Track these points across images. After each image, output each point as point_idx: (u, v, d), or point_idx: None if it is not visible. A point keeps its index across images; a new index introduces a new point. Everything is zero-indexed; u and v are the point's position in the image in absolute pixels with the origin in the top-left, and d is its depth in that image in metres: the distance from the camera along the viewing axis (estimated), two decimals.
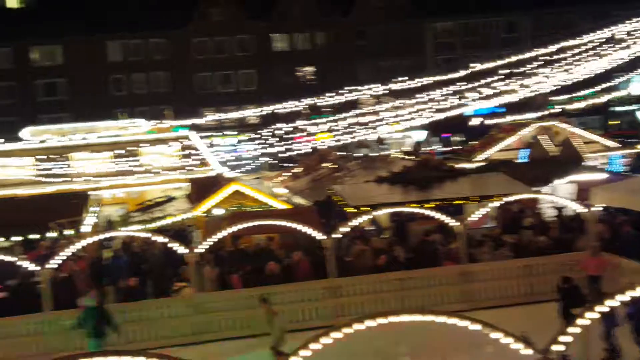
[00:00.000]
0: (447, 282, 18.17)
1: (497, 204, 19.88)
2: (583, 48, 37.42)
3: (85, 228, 20.72)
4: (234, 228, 18.25)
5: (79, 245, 18.43)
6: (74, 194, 26.19)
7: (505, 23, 68.24)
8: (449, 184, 24.02)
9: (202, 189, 27.06)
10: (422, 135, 58.77)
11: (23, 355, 16.02)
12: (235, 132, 55.42)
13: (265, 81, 64.05)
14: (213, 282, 18.22)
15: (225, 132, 55.28)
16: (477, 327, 7.86)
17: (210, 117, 52.44)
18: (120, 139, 36.70)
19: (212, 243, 18.17)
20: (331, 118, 44.42)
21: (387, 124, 43.31)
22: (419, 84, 40.10)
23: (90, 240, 18.96)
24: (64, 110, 58.53)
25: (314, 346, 7.72)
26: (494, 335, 7.81)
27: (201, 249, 17.69)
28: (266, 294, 15.08)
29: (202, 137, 39.41)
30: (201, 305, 17.14)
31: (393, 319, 7.83)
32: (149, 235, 19.23)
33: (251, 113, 49.44)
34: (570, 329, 7.91)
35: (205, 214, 24.52)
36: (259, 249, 20.24)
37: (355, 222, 18.43)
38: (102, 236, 20.94)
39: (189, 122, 46.01)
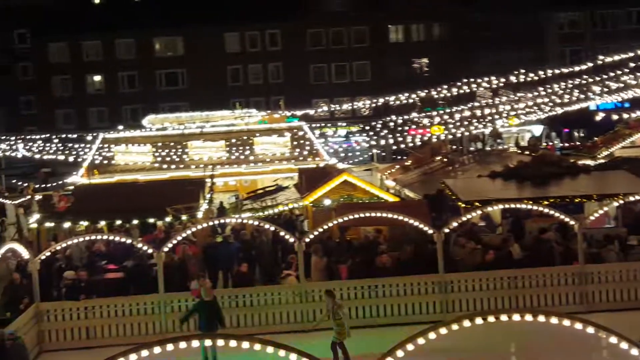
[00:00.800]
0: (563, 282, 17.50)
1: (618, 203, 18.87)
2: None
3: (199, 214, 21.33)
4: (343, 219, 18.24)
5: (192, 230, 19.07)
6: (190, 180, 27.03)
7: (636, 13, 64.68)
8: (568, 181, 23.07)
9: (311, 179, 27.24)
10: (540, 129, 56.74)
11: (136, 335, 16.67)
12: (347, 124, 55.59)
13: (379, 72, 63.72)
14: (320, 271, 18.31)
15: (337, 123, 55.57)
16: (591, 330, 7.50)
17: (322, 108, 52.84)
18: (234, 128, 37.66)
19: (319, 233, 18.27)
20: (445, 110, 43.62)
21: (503, 117, 41.98)
22: (540, 77, 38.50)
23: (203, 226, 19.53)
24: (183, 100, 60.69)
25: (420, 341, 7.61)
26: (611, 339, 7.44)
27: (309, 238, 17.79)
28: (331, 288, 15.12)
29: (314, 128, 39.82)
30: (308, 294, 17.24)
31: (504, 318, 7.58)
32: (259, 222, 19.56)
33: (364, 104, 49.32)
34: None
35: (314, 204, 24.67)
36: (366, 241, 20.17)
37: (466, 218, 18.01)
38: (214, 222, 21.56)
39: (301, 112, 46.58)
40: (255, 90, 62.84)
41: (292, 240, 17.39)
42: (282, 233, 17.85)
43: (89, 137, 40.66)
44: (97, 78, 63.65)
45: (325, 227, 18.16)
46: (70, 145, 42.86)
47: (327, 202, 23.95)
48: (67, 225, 21.35)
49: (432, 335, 7.60)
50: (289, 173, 34.74)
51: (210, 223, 20.89)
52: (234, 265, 18.92)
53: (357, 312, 17.26)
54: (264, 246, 21.29)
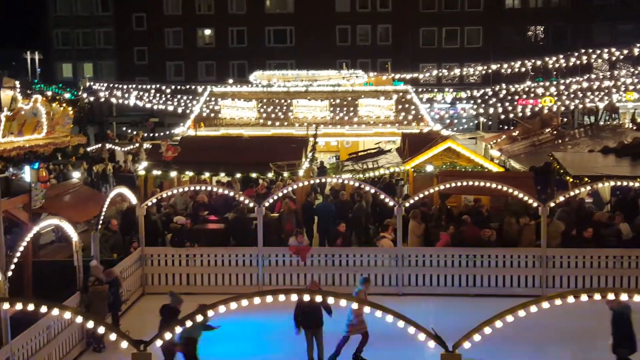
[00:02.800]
0: None
1: None
2: None
3: (300, 172, 21.53)
4: (444, 185, 17.96)
5: (293, 187, 19.28)
6: (293, 138, 27.27)
7: None
8: None
9: (414, 144, 26.89)
10: None
11: (234, 286, 17.12)
12: (454, 90, 54.45)
13: (491, 39, 61.85)
14: (418, 237, 18.17)
15: (444, 89, 54.55)
16: None
17: (430, 73, 51.93)
18: (339, 89, 37.62)
19: (419, 198, 18.07)
20: (559, 81, 41.93)
21: (621, 91, 39.95)
22: None
23: (303, 184, 19.71)
24: (290, 57, 61.10)
25: (520, 313, 7.49)
26: None
27: (409, 203, 17.62)
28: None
29: (420, 93, 39.24)
30: (404, 258, 17.17)
31: (611, 296, 7.40)
32: (359, 184, 19.55)
33: (474, 71, 48.06)
34: None
35: (416, 169, 24.40)
36: (466, 209, 19.81)
37: (573, 193, 17.37)
38: (314, 181, 21.71)
39: (408, 76, 45.96)
40: (362, 51, 62.45)
41: (391, 203, 17.26)
42: (381, 196, 17.75)
43: (199, 90, 41.67)
44: (208, 32, 64.95)
45: (426, 192, 17.91)
46: (178, 96, 44.17)
47: (429, 168, 23.64)
48: (173, 174, 22.05)
49: (533, 309, 7.44)
50: (392, 137, 34.51)
51: (311, 182, 21.06)
52: (331, 225, 19.03)
53: (452, 281, 17.07)
54: (362, 208, 21.30)
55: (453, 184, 17.78)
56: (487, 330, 7.51)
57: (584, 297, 7.38)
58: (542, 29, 63.30)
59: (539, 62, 39.51)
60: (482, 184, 17.44)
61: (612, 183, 18.44)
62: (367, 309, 8.07)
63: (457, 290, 16.96)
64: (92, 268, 13.80)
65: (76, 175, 24.92)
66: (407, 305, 15.69)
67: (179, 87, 46.12)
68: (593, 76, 40.89)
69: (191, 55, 63.81)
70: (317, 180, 22.65)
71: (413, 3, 62.29)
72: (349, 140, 36.32)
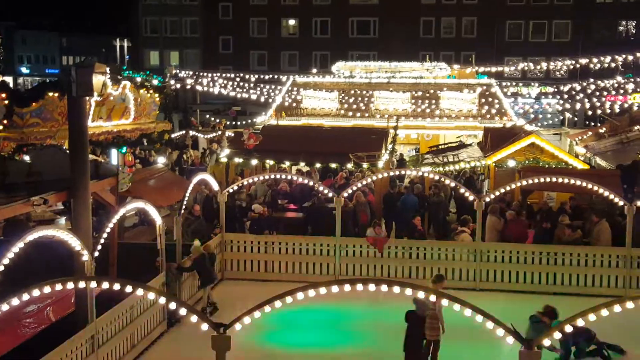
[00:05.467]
0: None
1: None
2: None
3: (380, 164, 21.54)
4: (526, 181, 17.62)
5: (372, 179, 19.32)
6: (375, 130, 27.27)
7: None
8: None
9: (497, 138, 26.44)
10: None
11: (311, 274, 17.28)
12: (540, 84, 53.10)
13: (580, 33, 59.93)
14: (498, 232, 17.90)
15: (529, 83, 53.29)
16: None
17: (515, 66, 50.80)
18: (422, 81, 37.30)
19: (501, 193, 17.80)
20: None
21: None
22: None
23: (382, 175, 19.72)
24: (373, 49, 60.93)
25: (603, 312, 7.41)
26: None
27: (489, 198, 17.39)
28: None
29: (504, 86, 38.48)
30: (482, 254, 16.99)
31: None
32: (438, 177, 19.41)
33: (561, 65, 46.72)
34: None
35: (498, 164, 24.02)
36: (546, 208, 19.42)
37: None
38: (394, 173, 21.68)
39: (493, 69, 45.13)
40: (446, 43, 61.68)
41: (471, 198, 17.09)
42: (461, 190, 17.58)
43: (282, 79, 42.12)
44: (292, 22, 65.50)
45: (507, 188, 17.62)
46: (261, 86, 44.76)
47: (511, 163, 23.22)
48: (254, 162, 22.43)
49: (617, 309, 7.30)
50: (474, 131, 34.01)
51: (390, 173, 21.04)
52: (409, 217, 18.96)
53: (532, 278, 16.79)
54: (441, 202, 21.15)
55: (536, 180, 17.46)
56: (568, 328, 7.46)
57: None
58: (633, 23, 60.90)
59: (630, 58, 38.05)
60: (566, 180, 17.04)
61: None
62: (444, 302, 8.06)
63: (536, 287, 16.65)
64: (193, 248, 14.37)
65: (161, 161, 25.68)
66: (484, 300, 15.51)
67: (261, 76, 46.72)
68: None
69: (275, 45, 64.52)
70: (397, 172, 22.58)
71: None
72: (429, 133, 35.99)
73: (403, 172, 23.84)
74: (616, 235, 16.80)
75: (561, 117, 49.78)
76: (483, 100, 35.85)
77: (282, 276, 17.23)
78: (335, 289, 8.14)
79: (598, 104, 37.41)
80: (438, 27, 62.89)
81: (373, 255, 17.26)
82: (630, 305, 7.34)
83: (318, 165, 22.38)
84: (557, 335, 7.65)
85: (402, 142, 33.47)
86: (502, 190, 17.55)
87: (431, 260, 17.15)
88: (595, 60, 38.60)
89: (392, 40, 59.74)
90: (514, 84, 49.93)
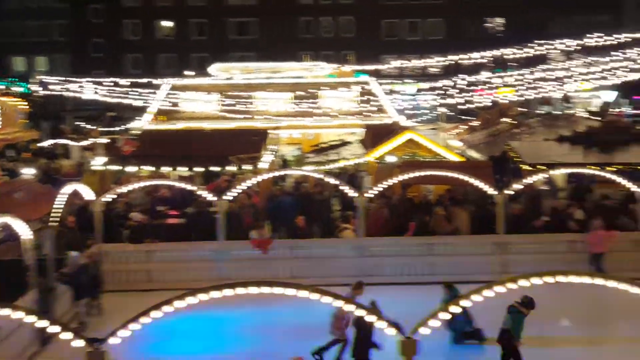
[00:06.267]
0: (622, 248, 17.17)
1: None
2: None
3: (262, 165, 21.43)
4: (405, 176, 18.06)
5: (255, 181, 19.18)
6: (255, 131, 27.13)
7: None
8: (636, 148, 22.76)
9: (377, 135, 27.00)
10: (611, 95, 54.85)
11: (195, 280, 16.94)
12: (416, 81, 54.71)
13: (452, 31, 62.32)
14: (379, 227, 18.20)
15: (405, 81, 54.76)
16: None
17: (392, 65, 52.05)
18: (302, 81, 37.50)
19: (381, 189, 18.15)
20: (516, 72, 42.43)
21: (575, 81, 40.71)
22: (615, 42, 37.11)
23: (265, 177, 19.62)
24: (252, 50, 60.75)
25: (475, 297, 7.71)
26: None
27: (370, 193, 17.70)
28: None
29: (382, 84, 39.31)
30: (365, 249, 17.24)
31: (560, 279, 7.65)
32: (321, 176, 19.54)
33: (434, 62, 48.31)
34: None
35: (378, 160, 24.51)
36: (425, 200, 20.01)
37: (529, 180, 17.73)
38: (276, 174, 21.64)
39: (370, 68, 46.00)
40: (325, 43, 62.40)
41: (353, 194, 17.31)
42: (343, 188, 17.79)
43: (157, 83, 41.09)
44: (167, 24, 64.17)
45: (387, 183, 17.99)
46: (137, 90, 43.49)
47: (390, 158, 23.75)
48: (131, 169, 21.75)
49: (488, 293, 7.64)
50: (355, 128, 34.54)
51: (272, 174, 20.97)
52: (291, 218, 18.90)
53: (415, 269, 17.26)
54: (325, 200, 21.28)
55: (413, 175, 17.94)
56: (444, 315, 7.68)
57: (537, 280, 7.61)
58: (501, 21, 63.99)
59: (493, 53, 39.96)
60: (441, 173, 17.61)
61: (565, 170, 18.91)
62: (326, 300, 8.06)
63: (420, 278, 17.02)
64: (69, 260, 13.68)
65: (29, 172, 24.39)
66: (370, 295, 15.73)
67: (137, 80, 45.37)
68: (548, 67, 41.49)
69: (151, 48, 63.01)
70: (279, 173, 22.54)
71: None
72: (311, 132, 36.24)
73: (286, 173, 23.83)
74: (489, 223, 17.44)
75: (437, 113, 51.50)
76: (362, 98, 36.49)
77: (165, 284, 16.74)
78: (215, 294, 7.96)
79: (470, 99, 38.99)
80: (317, 27, 63.57)
81: (259, 258, 17.12)
82: (501, 289, 7.61)
83: (199, 169, 21.97)
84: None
85: (285, 142, 33.54)
86: (383, 186, 17.90)
87: (316, 258, 17.22)
88: (464, 56, 40.20)
89: (272, 40, 59.83)
90: (392, 81, 51.19)
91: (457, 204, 19.19)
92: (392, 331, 7.74)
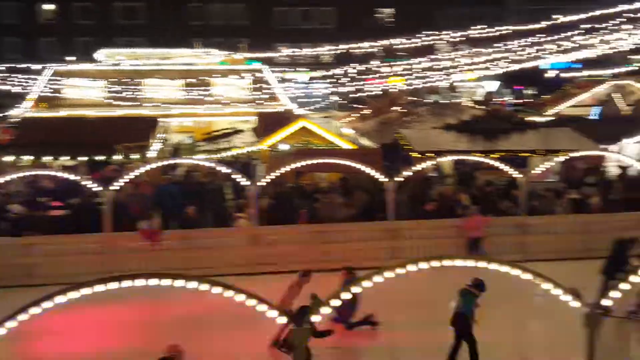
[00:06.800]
0: (504, 232, 17.88)
1: (561, 159, 19.53)
2: None
3: (150, 154, 20.82)
4: (298, 164, 18.05)
5: (142, 170, 18.58)
6: (143, 119, 26.37)
7: None
8: (516, 136, 24.01)
9: (269, 123, 26.91)
10: (494, 85, 57.38)
11: (81, 273, 16.25)
12: (308, 70, 54.94)
13: (343, 20, 62.93)
14: (273, 215, 18.09)
15: (298, 69, 54.88)
16: (529, 276, 7.79)
17: (284, 52, 52.01)
18: (193, 68, 36.79)
19: (274, 177, 18.05)
20: (405, 62, 43.43)
21: (461, 71, 42.22)
22: (497, 33, 38.84)
23: (154, 166, 19.06)
24: (141, 35, 58.96)
25: (365, 284, 7.67)
26: (545, 285, 7.75)
27: (264, 182, 17.56)
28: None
29: (274, 72, 39.18)
30: (259, 237, 17.09)
31: (447, 263, 7.73)
32: (212, 165, 19.20)
33: (326, 51, 48.68)
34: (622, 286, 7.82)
35: (271, 149, 24.42)
36: (320, 187, 20.08)
37: (419, 167, 18.16)
38: (166, 163, 21.09)
39: (263, 55, 45.76)
40: (217, 30, 61.40)
41: (246, 183, 17.12)
42: (236, 176, 17.55)
43: (38, 68, 39.12)
44: (49, 7, 61.23)
45: (280, 171, 17.90)
46: (16, 75, 41.23)
47: (284, 146, 23.71)
48: (9, 158, 20.57)
49: (378, 279, 7.60)
50: (248, 116, 34.25)
51: (162, 163, 20.41)
52: (180, 207, 18.44)
53: (310, 257, 17.17)
54: (217, 189, 20.93)
55: (306, 163, 17.96)
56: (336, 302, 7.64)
57: (424, 265, 7.66)
58: (390, 11, 65.22)
59: (383, 43, 40.76)
60: (333, 161, 17.71)
61: (452, 157, 19.51)
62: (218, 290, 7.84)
63: (314, 266, 16.95)
64: None
65: None
66: (265, 284, 15.57)
67: (16, 65, 42.98)
68: (435, 57, 42.80)
69: (31, 32, 59.93)
70: (169, 162, 21.98)
71: None
72: (203, 120, 35.61)
73: (176, 162, 23.28)
74: (380, 210, 17.73)
75: (329, 101, 51.97)
76: (255, 86, 36.23)
77: (47, 279, 15.94)
78: (100, 288, 7.58)
79: (361, 87, 39.61)
80: (208, 13, 62.56)
81: (149, 249, 16.62)
82: (390, 274, 7.67)
83: (83, 158, 21.09)
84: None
85: (176, 130, 32.84)
86: (276, 174, 17.80)
87: (209, 248, 16.91)
88: (354, 45, 40.75)
89: (162, 26, 58.33)
90: (285, 69, 51.19)
91: (349, 191, 19.39)
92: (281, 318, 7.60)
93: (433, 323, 12.21)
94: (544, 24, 37.76)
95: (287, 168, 18.32)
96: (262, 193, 18.02)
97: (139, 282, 7.77)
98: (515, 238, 17.99)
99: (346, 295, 7.78)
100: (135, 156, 20.53)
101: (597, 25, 38.09)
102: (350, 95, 43.24)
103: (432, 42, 42.64)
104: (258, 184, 17.34)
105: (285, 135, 25.12)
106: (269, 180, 17.83)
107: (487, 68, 40.96)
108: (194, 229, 17.33)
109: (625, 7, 35.98)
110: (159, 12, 60.19)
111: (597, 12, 36.88)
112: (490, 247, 17.26)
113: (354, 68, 42.55)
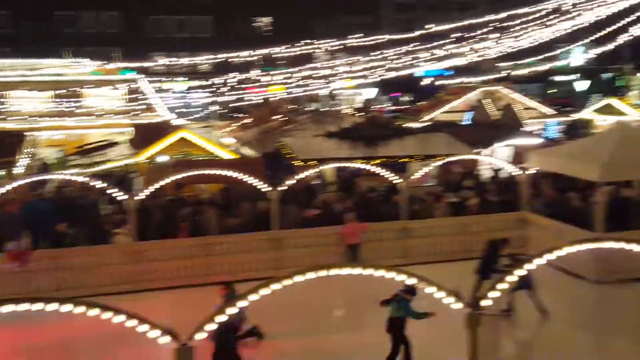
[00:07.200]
0: (387, 237, 18.11)
1: (439, 163, 20.03)
2: (531, 17, 37.56)
3: (17, 170, 19.58)
4: (178, 176, 17.52)
5: (9, 187, 17.39)
6: (8, 133, 24.87)
7: None
8: (395, 142, 24.42)
9: (147, 134, 26.12)
10: (372, 93, 58.80)
11: None
12: (186, 79, 54.05)
13: (220, 29, 62.43)
14: (155, 229, 17.45)
15: (175, 79, 53.89)
16: (413, 281, 7.94)
17: (160, 62, 50.90)
18: (63, 78, 35.22)
19: (153, 190, 17.40)
20: (285, 70, 43.60)
21: (339, 79, 42.95)
22: (374, 42, 39.85)
23: (21, 182, 17.90)
24: (6, 45, 55.93)
25: (252, 297, 7.48)
26: (428, 289, 7.83)
27: (142, 196, 16.88)
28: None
29: (150, 82, 38.24)
30: (139, 254, 16.42)
31: (335, 271, 7.67)
32: (86, 179, 18.27)
33: (204, 60, 48.08)
34: (499, 286, 7.98)
35: (149, 161, 23.67)
36: (201, 198, 19.62)
37: (302, 175, 18.09)
38: (35, 179, 19.87)
39: (137, 65, 44.56)
40: (88, 39, 59.31)
41: (124, 197, 16.41)
42: (111, 190, 16.78)
43: None
44: None
45: (160, 184, 17.29)
46: None
47: (162, 158, 23.04)
48: None
49: (265, 291, 7.45)
50: (123, 128, 33.14)
51: (31, 179, 19.20)
52: (50, 225, 17.35)
53: (194, 271, 16.71)
54: (91, 204, 19.98)
55: (185, 174, 17.47)
56: (221, 318, 7.37)
57: (312, 275, 7.56)
58: (268, 20, 65.38)
59: (262, 51, 40.75)
60: (215, 172, 17.31)
61: (335, 165, 19.64)
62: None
63: (197, 280, 16.51)
64: None
65: None
66: (148, 302, 15.01)
67: None
68: (314, 65, 43.28)
69: None
70: (38, 178, 20.74)
71: None
72: (75, 133, 34.10)
73: (45, 177, 22.04)
74: (266, 220, 17.50)
75: (209, 111, 51.33)
76: (130, 96, 35.15)
77: None
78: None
79: (241, 97, 39.39)
80: (78, 22, 60.34)
81: (18, 271, 15.55)
82: (277, 286, 7.50)
83: None
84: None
85: (46, 144, 31.28)
86: (155, 187, 17.17)
87: (83, 268, 16.04)
88: (233, 54, 40.47)
89: (28, 35, 55.58)
90: (162, 79, 50.06)
91: (231, 202, 19.07)
92: (166, 339, 7.23)
93: (317, 331, 12.13)
94: (417, 33, 39.08)
95: (167, 180, 17.73)
96: (141, 207, 17.31)
97: (6, 308, 7.18)
98: (397, 242, 18.23)
99: (232, 310, 7.52)
100: (0, 173, 19.22)
101: (466, 35, 39.89)
102: (231, 105, 42.93)
103: (310, 51, 43.10)
104: (136, 197, 16.64)
105: (164, 146, 24.46)
106: (147, 194, 17.16)
107: (364, 76, 41.86)
108: (67, 248, 16.37)
109: (492, 17, 37.85)
110: (25, 19, 57.32)
111: (466, 22, 38.67)
112: (374, 252, 17.42)
113: (234, 77, 42.27)
